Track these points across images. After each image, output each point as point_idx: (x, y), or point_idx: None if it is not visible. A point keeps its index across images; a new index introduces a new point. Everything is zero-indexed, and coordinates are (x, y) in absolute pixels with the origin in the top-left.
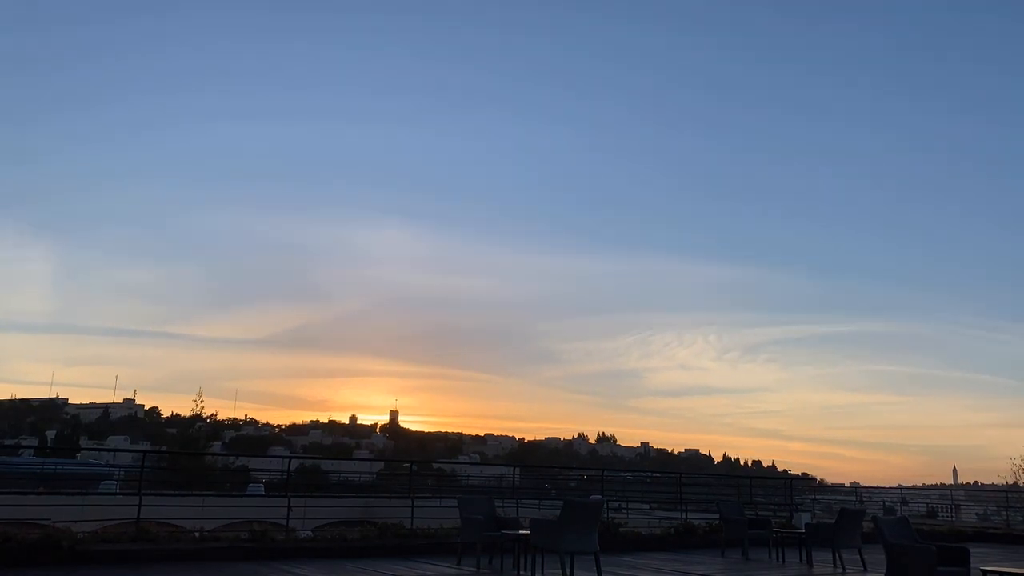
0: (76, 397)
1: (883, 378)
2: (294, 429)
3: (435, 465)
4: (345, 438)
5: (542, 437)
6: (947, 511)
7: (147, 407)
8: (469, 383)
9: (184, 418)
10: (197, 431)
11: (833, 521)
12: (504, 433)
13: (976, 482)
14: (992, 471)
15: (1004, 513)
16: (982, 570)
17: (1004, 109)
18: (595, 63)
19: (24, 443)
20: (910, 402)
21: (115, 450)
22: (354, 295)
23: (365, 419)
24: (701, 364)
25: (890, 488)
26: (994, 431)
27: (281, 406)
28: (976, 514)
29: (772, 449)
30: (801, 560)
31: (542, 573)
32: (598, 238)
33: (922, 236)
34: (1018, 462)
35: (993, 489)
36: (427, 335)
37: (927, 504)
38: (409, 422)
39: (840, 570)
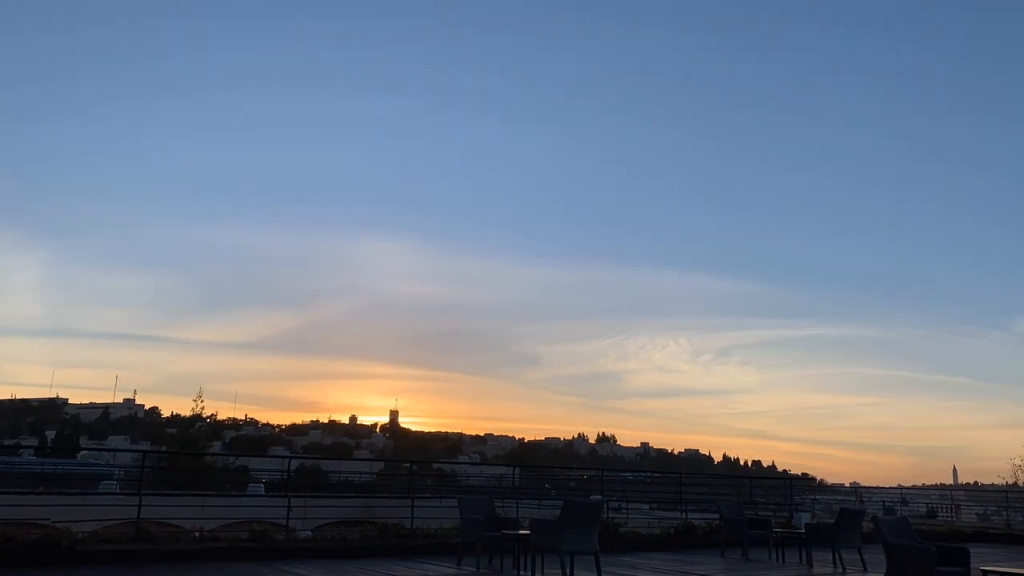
0: (76, 397)
1: (858, 380)
2: (294, 429)
3: (435, 465)
4: (345, 438)
5: (542, 437)
6: (947, 511)
7: (147, 407)
8: (455, 385)
9: (184, 418)
10: (197, 431)
11: (833, 521)
12: (504, 433)
13: (976, 482)
14: (992, 471)
15: (1004, 513)
16: (982, 570)
17: (1005, 109)
18: (576, 64)
19: (24, 443)
20: (890, 403)
21: (115, 450)
22: (348, 301)
23: (365, 419)
24: (677, 367)
25: (890, 488)
26: (976, 432)
27: (279, 408)
28: (976, 514)
29: (761, 449)
30: (801, 560)
31: (542, 573)
32: (559, 242)
33: (875, 242)
34: (1017, 462)
35: (993, 489)
36: (414, 339)
37: (927, 504)
38: (409, 423)
39: (840, 570)
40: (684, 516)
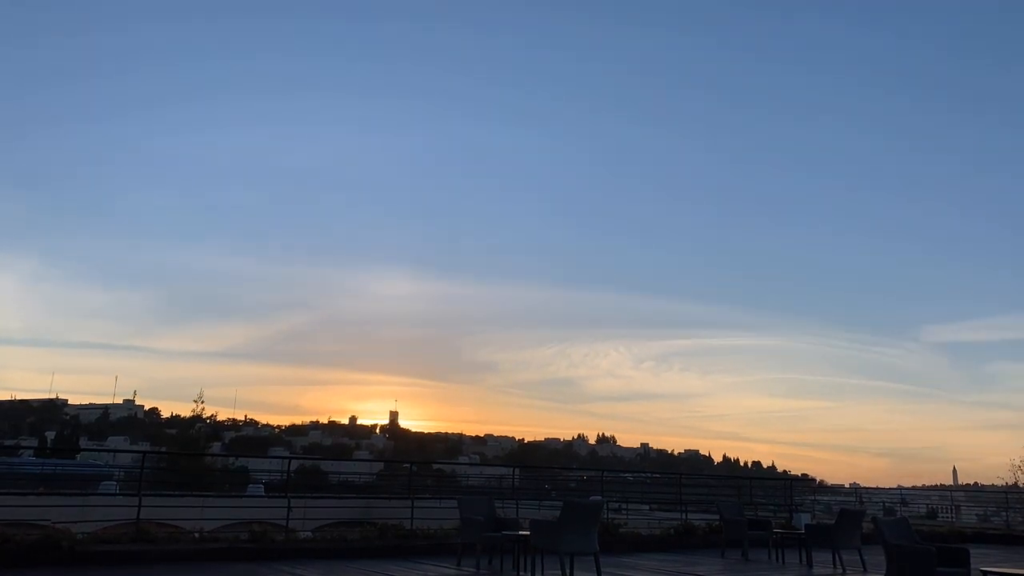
0: (76, 398)
1: (801, 386)
2: (294, 430)
3: (435, 466)
4: (345, 439)
5: (542, 438)
6: (947, 512)
7: (147, 408)
8: (430, 390)
9: (184, 419)
10: (197, 432)
11: (833, 522)
12: (504, 434)
13: (976, 483)
14: (992, 472)
15: (1004, 514)
16: (982, 571)
17: (1005, 109)
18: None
19: (24, 444)
20: (840, 408)
21: (115, 451)
22: (336, 314)
23: (365, 420)
24: (624, 373)
25: (890, 489)
26: (944, 435)
27: (278, 412)
28: (976, 515)
29: (736, 451)
30: (801, 561)
31: (542, 574)
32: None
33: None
34: (1017, 463)
35: (993, 490)
36: (395, 347)
37: (927, 505)
38: (409, 424)
39: (840, 571)
40: (684, 517)
